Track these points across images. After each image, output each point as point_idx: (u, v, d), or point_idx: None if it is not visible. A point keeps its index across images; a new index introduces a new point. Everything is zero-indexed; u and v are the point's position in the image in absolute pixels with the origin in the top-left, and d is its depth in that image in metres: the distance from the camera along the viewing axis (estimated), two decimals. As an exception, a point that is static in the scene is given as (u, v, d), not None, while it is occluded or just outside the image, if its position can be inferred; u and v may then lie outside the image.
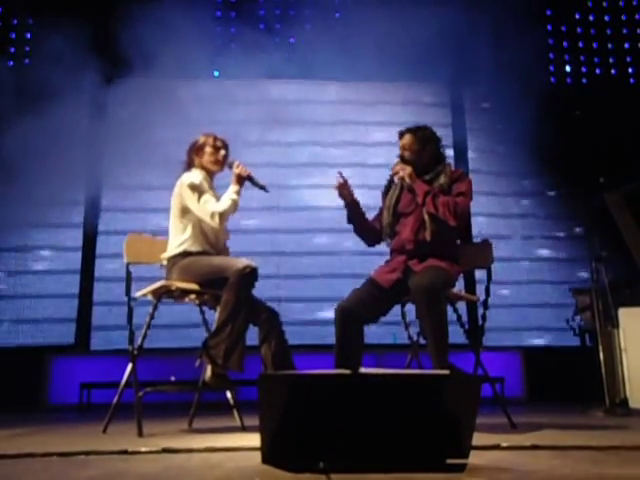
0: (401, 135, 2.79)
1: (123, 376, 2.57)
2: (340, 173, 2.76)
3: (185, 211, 2.72)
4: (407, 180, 2.68)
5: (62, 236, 5.12)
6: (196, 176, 2.75)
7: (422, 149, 2.73)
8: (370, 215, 2.88)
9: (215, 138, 2.88)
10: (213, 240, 2.76)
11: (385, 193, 2.78)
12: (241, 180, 2.77)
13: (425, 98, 5.63)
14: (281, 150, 5.29)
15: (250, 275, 2.51)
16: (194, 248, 2.69)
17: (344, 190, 2.75)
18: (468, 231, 5.28)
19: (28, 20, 5.51)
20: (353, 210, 2.79)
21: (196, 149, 2.85)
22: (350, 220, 2.82)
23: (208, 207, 2.66)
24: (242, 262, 2.54)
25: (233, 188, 2.75)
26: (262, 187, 2.80)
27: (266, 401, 1.61)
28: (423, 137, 2.75)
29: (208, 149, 2.84)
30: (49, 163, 5.12)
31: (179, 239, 2.71)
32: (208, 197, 2.70)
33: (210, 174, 2.85)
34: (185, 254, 2.67)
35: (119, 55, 4.88)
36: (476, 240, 4.94)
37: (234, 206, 2.71)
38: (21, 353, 4.73)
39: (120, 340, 4.70)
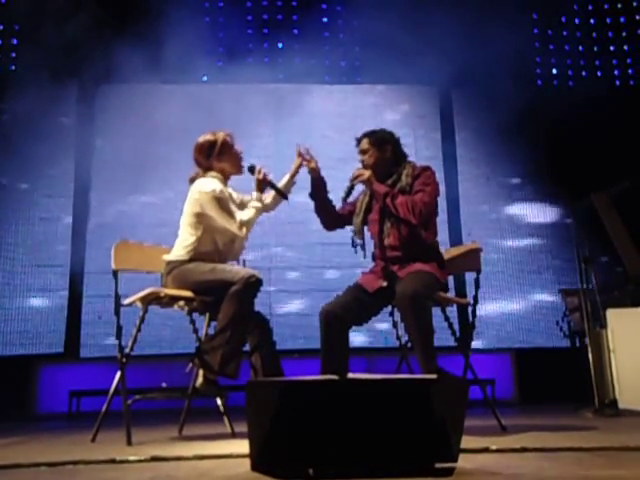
0: (358, 141, 2.78)
1: (113, 383, 2.56)
2: (307, 148, 2.77)
3: (199, 218, 2.65)
4: (367, 184, 2.68)
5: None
6: (217, 184, 2.68)
7: (380, 151, 2.72)
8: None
9: (232, 136, 2.78)
10: (223, 251, 2.70)
11: (344, 199, 2.76)
12: (263, 186, 2.75)
13: (414, 101, 5.65)
14: (272, 156, 5.27)
15: (255, 284, 2.49)
16: (199, 255, 2.64)
17: (310, 164, 2.75)
18: (459, 233, 5.31)
19: (14, 26, 5.48)
20: (317, 187, 2.77)
21: (217, 152, 2.72)
22: (313, 196, 2.80)
23: (235, 217, 2.63)
24: (247, 271, 2.52)
25: (256, 195, 2.73)
26: (282, 193, 2.80)
27: (254, 408, 1.61)
28: (379, 139, 2.74)
29: (230, 150, 2.75)
30: (35, 169, 5.13)
31: (187, 245, 2.66)
32: (233, 207, 2.68)
33: (227, 177, 2.78)
34: (190, 261, 2.63)
35: (105, 61, 4.88)
36: (466, 242, 4.96)
37: (259, 214, 2.71)
38: (9, 361, 4.68)
39: (110, 347, 4.69)
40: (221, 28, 5.56)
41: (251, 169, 2.78)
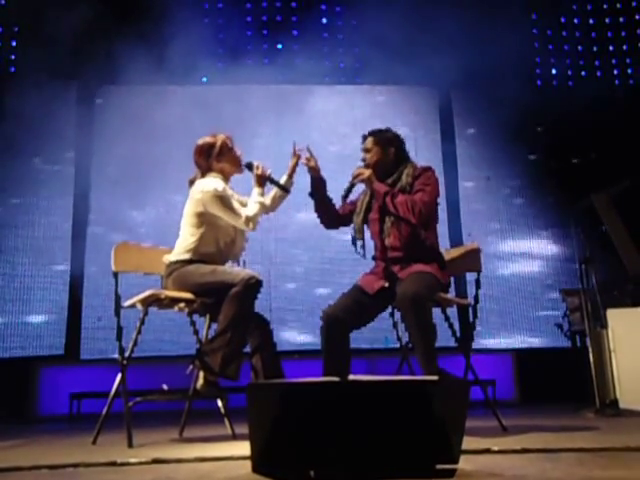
0: (363, 138, 2.79)
1: (113, 385, 2.55)
2: (308, 147, 2.78)
3: (201, 218, 2.66)
4: (367, 183, 2.69)
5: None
6: (219, 183, 2.69)
7: (383, 152, 2.73)
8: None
9: (231, 139, 2.81)
10: (224, 251, 2.71)
11: (344, 197, 2.76)
12: (262, 181, 2.76)
13: (413, 102, 5.65)
14: (273, 156, 5.26)
15: (255, 286, 2.49)
16: (199, 256, 2.64)
17: (310, 163, 2.76)
18: (459, 234, 5.31)
19: (14, 28, 5.48)
20: (317, 186, 2.79)
21: (217, 153, 2.74)
22: (312, 195, 2.81)
23: (240, 213, 2.64)
24: (247, 273, 2.52)
25: (257, 190, 2.74)
26: (282, 187, 2.80)
27: (256, 410, 1.61)
28: (384, 139, 2.75)
29: (229, 152, 2.77)
30: (35, 171, 5.13)
31: (188, 245, 2.66)
32: (237, 204, 2.69)
33: (227, 177, 2.80)
34: (190, 261, 2.63)
35: (105, 62, 4.88)
36: (466, 243, 4.96)
37: (263, 208, 2.72)
38: (9, 363, 4.68)
39: (110, 349, 4.68)
40: (221, 29, 5.55)
41: (249, 165, 2.80)
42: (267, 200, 2.79)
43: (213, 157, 2.75)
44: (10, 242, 5.03)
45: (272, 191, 2.83)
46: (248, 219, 2.65)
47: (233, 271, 2.58)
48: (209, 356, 2.47)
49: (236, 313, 2.46)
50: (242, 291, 2.46)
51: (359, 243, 2.76)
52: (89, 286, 4.96)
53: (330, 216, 2.84)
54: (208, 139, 2.78)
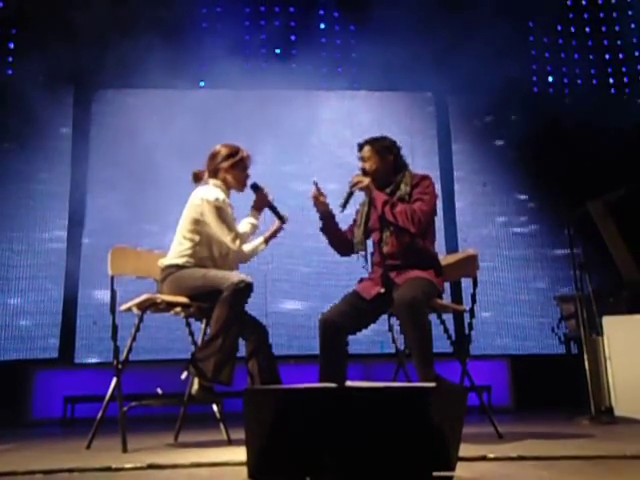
0: (360, 147, 2.78)
1: (108, 389, 2.54)
2: (315, 183, 2.77)
3: (197, 224, 2.66)
4: (366, 191, 2.69)
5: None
6: (221, 194, 2.69)
7: (382, 160, 2.73)
8: (343, 226, 2.89)
9: (250, 159, 2.81)
10: (217, 257, 2.71)
11: (343, 206, 2.72)
12: (263, 206, 2.78)
13: (410, 107, 5.67)
14: (266, 161, 5.27)
15: (245, 290, 2.48)
16: (194, 261, 2.64)
17: (319, 200, 2.76)
18: (455, 240, 5.32)
19: (11, 30, 5.48)
20: (327, 221, 2.79)
21: (231, 163, 2.74)
22: (324, 230, 2.82)
23: (232, 229, 2.64)
24: (237, 276, 2.51)
25: (254, 213, 2.77)
26: (281, 217, 2.83)
27: (252, 416, 1.60)
28: (382, 148, 2.75)
29: (242, 170, 2.77)
30: (31, 174, 5.12)
31: (183, 250, 2.66)
32: (233, 221, 2.69)
33: (228, 189, 2.79)
34: (184, 266, 2.63)
35: (102, 66, 4.88)
36: (461, 249, 4.97)
37: (253, 230, 2.74)
38: (3, 366, 4.65)
39: (104, 352, 4.66)
40: (219, 34, 5.56)
41: (255, 187, 2.80)
42: (248, 246, 2.79)
43: (225, 164, 2.74)
44: (5, 244, 5.00)
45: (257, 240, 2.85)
46: (236, 235, 2.64)
47: (225, 275, 2.57)
48: (202, 362, 2.46)
49: (227, 318, 2.45)
50: (231, 295, 2.46)
51: (362, 255, 2.76)
52: (84, 290, 4.94)
53: (344, 246, 2.85)
54: (231, 149, 2.78)
